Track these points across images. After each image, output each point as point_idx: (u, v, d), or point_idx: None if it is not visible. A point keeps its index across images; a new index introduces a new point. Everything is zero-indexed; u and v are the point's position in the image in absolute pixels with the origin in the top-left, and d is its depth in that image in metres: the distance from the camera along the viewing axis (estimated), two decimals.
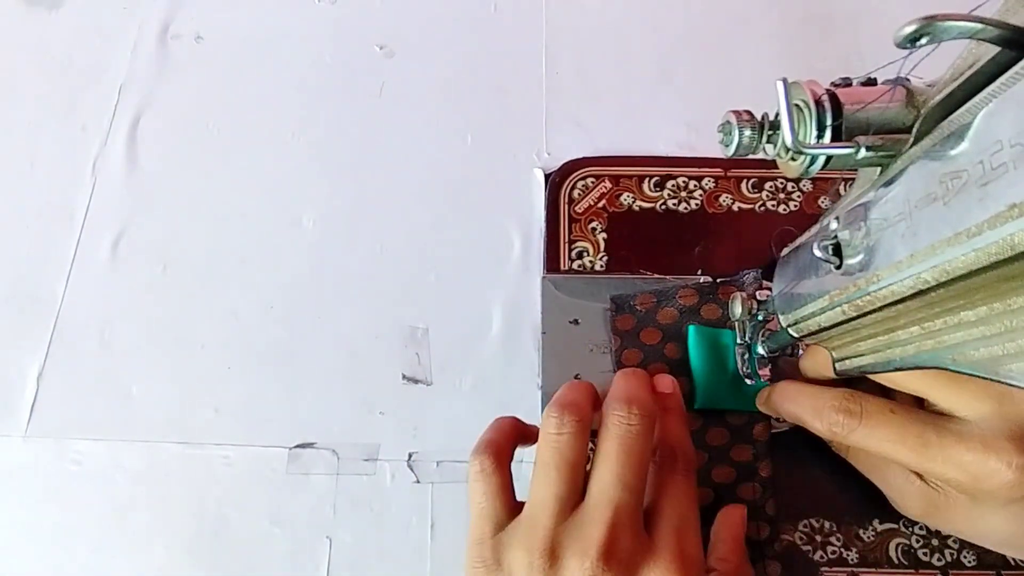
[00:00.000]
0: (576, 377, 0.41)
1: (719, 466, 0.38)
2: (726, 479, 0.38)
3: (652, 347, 0.41)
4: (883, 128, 0.23)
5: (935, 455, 0.26)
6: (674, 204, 0.45)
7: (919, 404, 0.30)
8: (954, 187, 0.18)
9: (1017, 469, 0.25)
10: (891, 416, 0.28)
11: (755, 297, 0.38)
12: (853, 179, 0.27)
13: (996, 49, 0.19)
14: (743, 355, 0.39)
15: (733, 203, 0.45)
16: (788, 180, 0.46)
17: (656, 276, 0.43)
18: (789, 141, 0.22)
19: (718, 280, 0.41)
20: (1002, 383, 0.20)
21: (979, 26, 0.17)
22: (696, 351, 0.39)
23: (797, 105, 0.24)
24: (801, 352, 0.37)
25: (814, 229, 0.28)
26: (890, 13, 0.50)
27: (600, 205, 0.45)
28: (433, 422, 0.41)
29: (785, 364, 0.39)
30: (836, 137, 0.23)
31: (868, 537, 0.37)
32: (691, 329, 0.40)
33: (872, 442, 0.28)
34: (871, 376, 0.30)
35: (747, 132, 0.25)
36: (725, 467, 0.38)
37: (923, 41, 0.18)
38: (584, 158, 0.47)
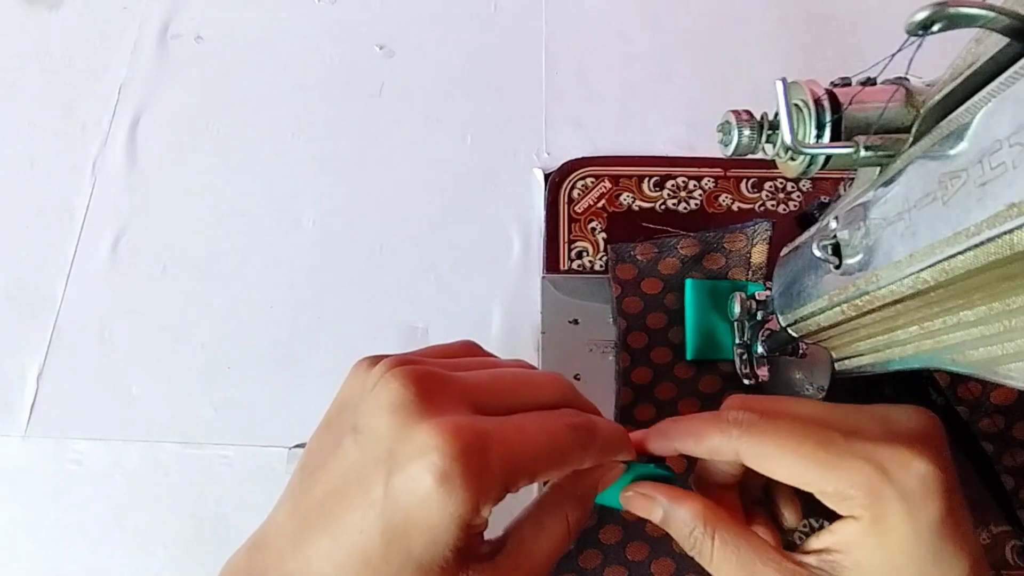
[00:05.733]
0: (576, 377, 0.41)
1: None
2: None
3: (652, 296, 0.41)
4: (882, 128, 0.23)
5: (842, 451, 0.24)
6: (674, 204, 0.45)
7: None
8: (953, 187, 0.18)
9: (929, 461, 0.23)
10: (793, 408, 0.25)
11: (755, 297, 0.38)
12: (853, 179, 0.27)
13: (995, 48, 0.19)
14: (742, 355, 0.39)
15: (733, 203, 0.45)
16: (788, 180, 0.46)
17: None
18: (788, 141, 0.22)
19: (728, 228, 0.42)
20: (1001, 383, 0.20)
21: (991, 14, 0.17)
22: (692, 305, 0.41)
23: (796, 105, 0.24)
24: (802, 352, 0.37)
25: (814, 229, 0.28)
26: (890, 13, 0.50)
27: (600, 205, 0.45)
28: None
29: (784, 364, 0.39)
30: (835, 137, 0.23)
31: None
32: (688, 283, 0.41)
33: (770, 441, 0.24)
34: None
35: (746, 132, 0.25)
36: None
37: (935, 28, 0.17)
38: (584, 158, 0.47)
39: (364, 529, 0.22)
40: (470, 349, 0.29)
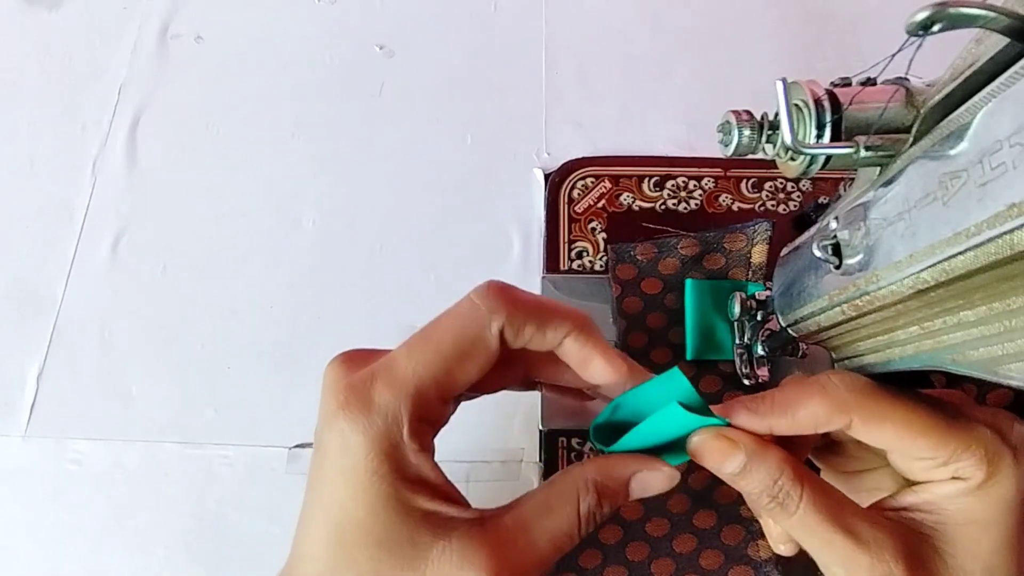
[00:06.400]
0: None
1: None
2: None
3: (652, 296, 0.41)
4: (883, 128, 0.23)
5: (959, 416, 0.23)
6: (674, 204, 0.45)
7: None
8: (953, 187, 0.18)
9: None
10: (890, 389, 0.24)
11: (755, 297, 0.38)
12: (853, 179, 0.27)
13: (995, 49, 0.19)
14: (742, 355, 0.39)
15: (733, 203, 0.45)
16: (788, 180, 0.46)
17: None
18: (788, 141, 0.22)
19: (728, 228, 0.42)
20: (1001, 383, 0.20)
21: (991, 14, 0.17)
22: (692, 305, 0.41)
23: (797, 105, 0.24)
24: (802, 352, 0.37)
25: (814, 229, 0.28)
26: (890, 13, 0.50)
27: (600, 205, 0.45)
28: None
29: (784, 365, 0.39)
30: (835, 137, 0.23)
31: None
32: (688, 283, 0.41)
33: (887, 407, 0.23)
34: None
35: (746, 132, 0.25)
36: None
37: (935, 28, 0.17)
38: (584, 158, 0.47)
39: (316, 519, 0.22)
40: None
